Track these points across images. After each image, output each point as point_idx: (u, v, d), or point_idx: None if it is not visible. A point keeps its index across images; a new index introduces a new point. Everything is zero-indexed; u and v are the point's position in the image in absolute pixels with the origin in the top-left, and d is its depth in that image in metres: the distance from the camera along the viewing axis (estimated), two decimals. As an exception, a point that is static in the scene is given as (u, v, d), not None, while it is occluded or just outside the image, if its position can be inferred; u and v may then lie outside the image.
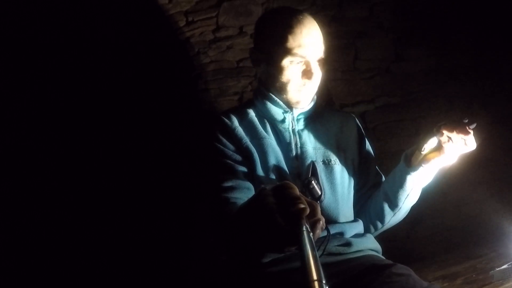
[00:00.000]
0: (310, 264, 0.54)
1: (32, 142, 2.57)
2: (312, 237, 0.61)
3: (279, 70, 1.12)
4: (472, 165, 2.57)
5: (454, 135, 0.98)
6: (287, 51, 1.09)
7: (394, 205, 1.14)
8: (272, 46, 1.12)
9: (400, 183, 1.10)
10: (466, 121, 0.99)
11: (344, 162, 1.18)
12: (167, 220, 2.46)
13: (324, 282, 0.51)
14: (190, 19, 2.39)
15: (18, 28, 2.60)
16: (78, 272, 2.38)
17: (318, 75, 1.12)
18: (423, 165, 1.06)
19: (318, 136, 1.19)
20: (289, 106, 1.16)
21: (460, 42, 2.74)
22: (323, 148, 1.16)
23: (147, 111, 2.64)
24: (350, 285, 0.94)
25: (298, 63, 1.10)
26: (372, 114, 2.52)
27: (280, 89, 1.14)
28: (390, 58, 2.63)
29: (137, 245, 2.45)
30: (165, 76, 2.63)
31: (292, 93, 1.13)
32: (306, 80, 1.11)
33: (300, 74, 1.11)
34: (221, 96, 2.43)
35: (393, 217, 1.17)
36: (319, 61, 1.12)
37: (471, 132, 0.98)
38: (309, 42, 1.09)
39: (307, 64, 1.10)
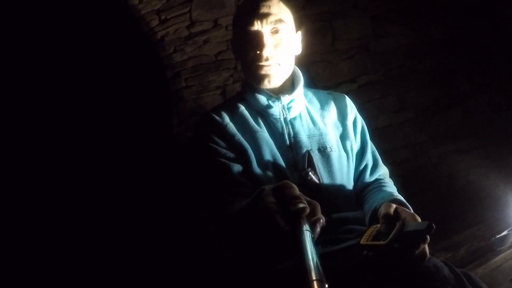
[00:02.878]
0: (310, 263, 0.54)
1: (32, 142, 2.54)
2: (312, 237, 0.61)
3: (241, 48, 1.11)
4: (458, 135, 2.62)
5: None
6: (240, 26, 1.10)
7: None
8: (236, 28, 1.14)
9: None
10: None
11: (341, 146, 1.14)
12: (167, 220, 2.44)
13: (324, 281, 0.51)
14: (162, 17, 2.34)
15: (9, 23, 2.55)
16: (78, 272, 2.36)
17: (273, 46, 1.08)
18: None
19: (311, 123, 1.15)
20: (274, 92, 1.13)
21: (436, 14, 2.75)
22: (317, 135, 1.12)
23: (131, 112, 2.60)
24: (357, 270, 0.92)
25: (250, 35, 1.08)
26: (356, 93, 2.51)
27: (246, 70, 1.12)
28: (369, 36, 2.62)
29: (137, 245, 2.43)
30: (144, 78, 2.58)
31: (252, 69, 1.10)
32: (259, 52, 1.07)
33: (253, 46, 1.08)
34: (203, 92, 2.40)
35: None
36: (275, 32, 1.09)
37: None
38: (257, 12, 1.08)
39: (259, 34, 1.08)
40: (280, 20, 1.09)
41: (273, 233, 0.65)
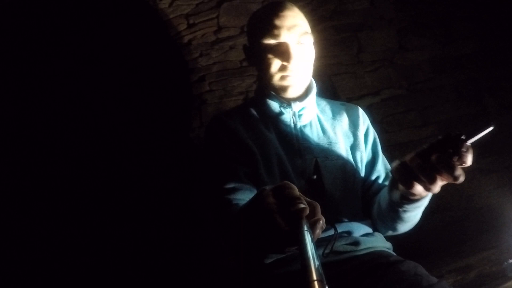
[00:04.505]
0: (310, 264, 0.53)
1: (33, 143, 2.57)
2: (312, 237, 0.60)
3: (261, 57, 1.11)
4: (482, 154, 2.56)
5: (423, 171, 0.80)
6: (263, 35, 1.09)
7: (388, 227, 1.09)
8: (254, 35, 1.13)
9: (388, 212, 1.03)
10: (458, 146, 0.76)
11: (350, 157, 1.13)
12: (172, 221, 2.45)
13: (324, 282, 0.50)
14: (191, 21, 2.39)
15: (21, 30, 2.61)
16: (80, 272, 2.37)
17: (299, 58, 1.08)
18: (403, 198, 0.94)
19: (321, 132, 1.15)
20: (286, 99, 1.13)
21: (464, 29, 2.71)
22: (326, 143, 1.12)
23: (150, 113, 2.63)
24: (358, 283, 0.91)
25: (275, 45, 1.08)
26: (379, 107, 2.50)
27: (268, 79, 1.12)
28: (394, 49, 2.60)
29: (140, 246, 2.43)
30: (168, 80, 2.63)
31: (276, 79, 1.11)
32: (286, 64, 1.07)
33: (279, 57, 1.08)
34: (226, 97, 2.43)
35: (394, 232, 1.11)
36: (300, 44, 1.09)
37: (458, 164, 0.77)
38: (283, 23, 1.07)
39: (285, 46, 1.08)
40: (305, 32, 1.09)
41: (273, 233, 0.64)
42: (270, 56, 1.09)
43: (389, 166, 1.20)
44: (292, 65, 1.08)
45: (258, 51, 1.12)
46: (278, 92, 1.13)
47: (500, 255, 1.84)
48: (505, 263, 1.62)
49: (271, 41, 1.08)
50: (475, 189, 2.50)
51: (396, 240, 1.15)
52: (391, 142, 2.43)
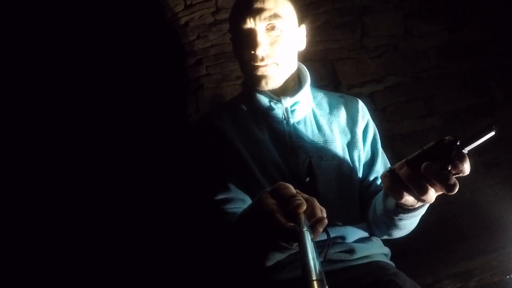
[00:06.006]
0: (310, 263, 0.52)
1: (33, 144, 2.52)
2: (312, 237, 0.59)
3: (237, 47, 1.05)
4: (486, 146, 2.47)
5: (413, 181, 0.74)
6: (234, 23, 1.03)
7: (383, 233, 1.04)
8: (231, 25, 1.08)
9: (383, 220, 0.97)
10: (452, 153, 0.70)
11: (347, 156, 1.06)
12: (167, 222, 2.39)
13: (324, 281, 0.49)
14: (188, 2, 2.30)
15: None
16: (80, 273, 2.35)
17: (267, 45, 1.01)
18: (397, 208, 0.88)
19: (316, 129, 1.08)
20: (275, 93, 1.07)
21: (473, 16, 2.60)
22: (322, 141, 1.05)
23: (146, 106, 2.54)
24: None
25: (244, 33, 1.01)
26: (382, 95, 2.40)
27: (242, 70, 1.07)
28: (399, 34, 2.50)
29: (139, 246, 2.38)
30: (164, 64, 2.54)
31: (248, 70, 1.04)
32: (253, 52, 1.00)
33: (247, 46, 1.01)
34: (223, 81, 2.35)
35: (389, 237, 1.05)
36: (271, 30, 1.01)
37: (453, 174, 0.71)
38: (249, 8, 1.00)
39: (251, 33, 1.00)
40: (275, 15, 1.01)
41: (277, 231, 0.64)
42: (240, 45, 1.04)
43: (389, 165, 1.13)
44: (260, 53, 1.00)
45: (234, 41, 1.08)
46: (256, 85, 1.06)
47: (503, 261, 1.73)
48: (508, 276, 1.54)
49: (239, 29, 1.02)
50: (478, 183, 2.42)
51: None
52: (393, 132, 2.35)
